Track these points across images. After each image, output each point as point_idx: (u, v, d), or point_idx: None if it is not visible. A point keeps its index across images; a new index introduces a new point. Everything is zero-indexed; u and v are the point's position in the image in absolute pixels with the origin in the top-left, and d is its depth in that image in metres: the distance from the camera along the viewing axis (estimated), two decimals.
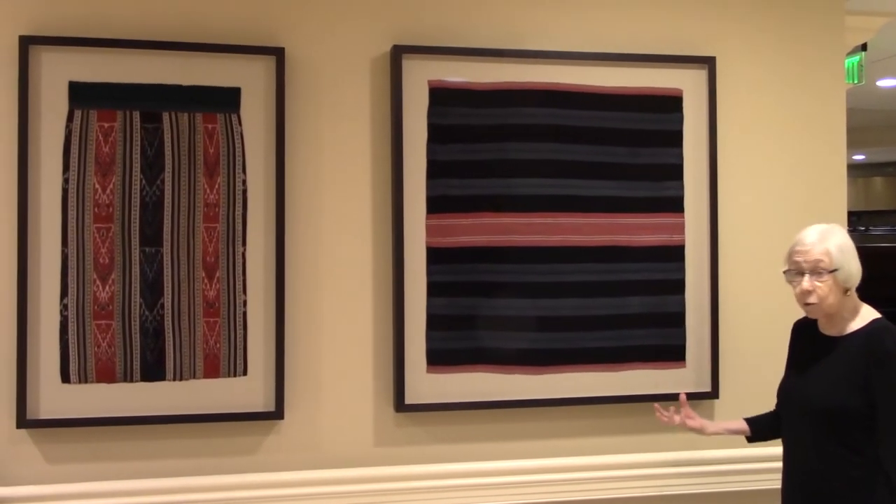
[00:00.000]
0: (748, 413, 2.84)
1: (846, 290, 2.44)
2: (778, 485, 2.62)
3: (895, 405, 2.33)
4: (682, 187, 3.03)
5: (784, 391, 2.59)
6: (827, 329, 2.50)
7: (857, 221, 13.09)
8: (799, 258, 2.44)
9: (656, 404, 2.81)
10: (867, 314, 2.46)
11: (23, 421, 2.62)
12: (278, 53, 2.78)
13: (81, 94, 2.67)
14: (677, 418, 2.76)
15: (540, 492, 2.90)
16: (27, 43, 2.64)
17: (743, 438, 2.76)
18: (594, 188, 2.96)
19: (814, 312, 2.47)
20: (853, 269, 2.43)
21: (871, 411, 2.35)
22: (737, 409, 2.92)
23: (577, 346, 2.94)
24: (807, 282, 2.41)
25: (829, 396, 2.40)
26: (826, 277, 2.40)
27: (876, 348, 2.37)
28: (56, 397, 2.64)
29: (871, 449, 2.36)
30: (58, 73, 2.66)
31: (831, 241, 2.42)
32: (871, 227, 12.89)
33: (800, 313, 2.61)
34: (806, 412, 2.46)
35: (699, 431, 2.76)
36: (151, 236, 2.70)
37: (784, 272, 2.50)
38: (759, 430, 2.72)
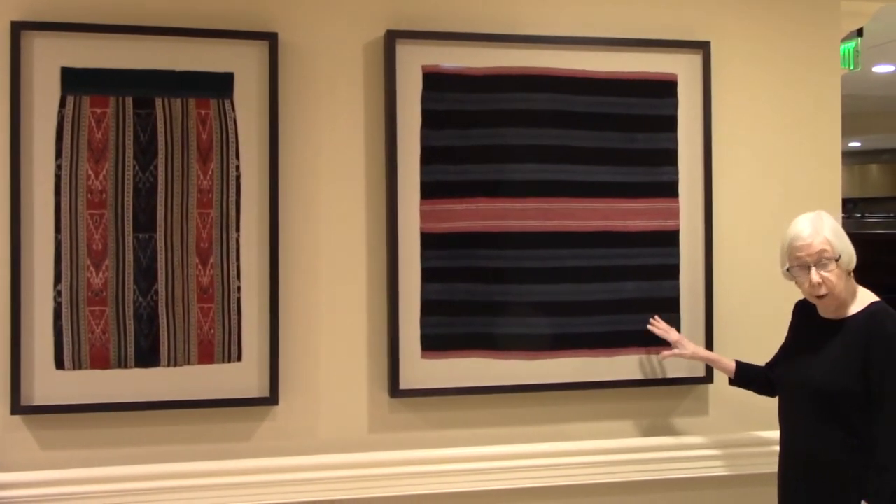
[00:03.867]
0: (743, 398, 2.86)
1: (848, 274, 2.45)
2: (773, 468, 2.63)
3: (893, 387, 2.33)
4: (676, 172, 3.02)
5: (783, 373, 2.60)
6: (827, 312, 2.50)
7: (853, 208, 13.12)
8: (801, 253, 2.43)
9: (656, 316, 2.94)
10: (865, 297, 2.47)
11: (17, 407, 2.62)
12: (271, 39, 2.77)
13: (74, 80, 2.66)
14: (674, 335, 2.89)
15: (535, 476, 2.91)
16: (19, 29, 2.63)
17: (741, 422, 2.77)
18: (589, 173, 2.96)
19: (827, 303, 2.46)
20: (851, 251, 2.45)
21: (869, 394, 2.36)
22: (731, 394, 2.93)
23: (572, 332, 2.95)
24: (815, 275, 2.41)
25: (829, 379, 2.41)
26: (832, 266, 2.41)
27: (876, 330, 2.37)
28: (50, 384, 2.64)
29: (868, 431, 2.37)
30: (50, 58, 2.65)
31: (827, 229, 2.43)
32: (866, 214, 12.92)
33: (793, 297, 2.62)
34: (805, 394, 2.47)
35: (690, 357, 2.88)
36: (145, 222, 2.70)
37: (786, 270, 2.48)
38: (743, 376, 2.78)
